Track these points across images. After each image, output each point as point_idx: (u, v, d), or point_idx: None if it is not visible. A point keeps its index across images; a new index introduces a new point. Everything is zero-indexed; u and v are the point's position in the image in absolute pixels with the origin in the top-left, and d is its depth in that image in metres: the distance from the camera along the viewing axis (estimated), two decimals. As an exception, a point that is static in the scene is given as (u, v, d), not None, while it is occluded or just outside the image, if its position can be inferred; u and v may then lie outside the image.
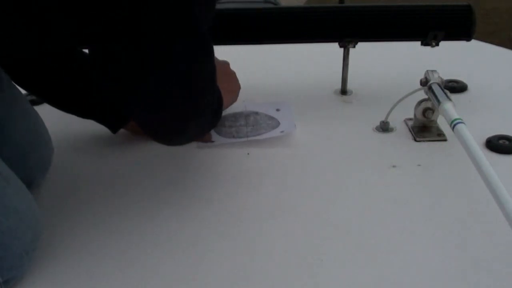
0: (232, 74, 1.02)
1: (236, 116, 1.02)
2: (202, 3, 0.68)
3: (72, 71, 0.91)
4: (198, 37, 0.68)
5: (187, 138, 0.87)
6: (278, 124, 0.99)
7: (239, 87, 1.02)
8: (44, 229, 0.71)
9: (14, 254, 0.64)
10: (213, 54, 0.74)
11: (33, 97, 1.09)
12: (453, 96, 0.91)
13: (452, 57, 1.19)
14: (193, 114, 0.76)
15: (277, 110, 1.04)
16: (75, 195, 0.84)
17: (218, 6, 0.77)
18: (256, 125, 0.99)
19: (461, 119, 0.83)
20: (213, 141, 0.96)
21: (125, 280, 0.68)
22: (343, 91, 1.13)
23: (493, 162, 0.74)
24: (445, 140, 0.95)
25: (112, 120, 0.96)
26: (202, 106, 0.76)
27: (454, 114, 0.85)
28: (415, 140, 0.95)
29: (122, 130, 0.98)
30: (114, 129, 0.97)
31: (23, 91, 0.87)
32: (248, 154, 0.92)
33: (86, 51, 0.93)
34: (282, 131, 0.97)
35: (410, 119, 0.99)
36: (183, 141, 0.90)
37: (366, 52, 1.08)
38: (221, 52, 0.93)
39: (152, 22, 0.64)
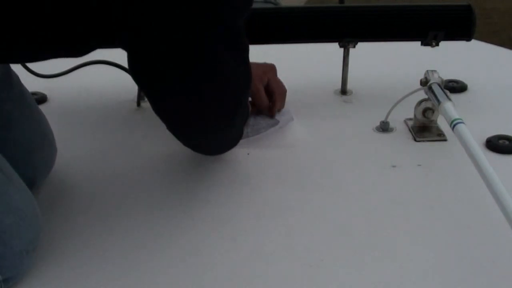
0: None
1: None
2: None
3: None
4: (224, 24, 0.65)
5: (214, 145, 0.85)
6: (277, 123, 0.99)
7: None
8: (45, 229, 0.71)
9: (14, 253, 0.64)
10: (247, 50, 0.71)
11: (38, 96, 1.09)
12: (453, 96, 0.91)
13: (452, 57, 1.19)
14: (226, 118, 0.75)
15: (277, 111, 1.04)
16: (76, 195, 0.84)
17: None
18: (256, 125, 0.99)
19: (461, 119, 0.83)
20: None
21: (125, 280, 0.68)
22: (343, 91, 1.13)
23: (493, 162, 0.74)
24: (445, 140, 0.95)
25: None
26: (235, 113, 0.76)
27: (454, 114, 0.85)
28: (415, 140, 0.95)
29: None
30: None
31: (30, 90, 0.87)
32: (248, 154, 0.92)
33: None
34: (281, 126, 0.97)
35: (410, 119, 0.99)
36: (210, 148, 0.87)
37: (366, 52, 1.08)
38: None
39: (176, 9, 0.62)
